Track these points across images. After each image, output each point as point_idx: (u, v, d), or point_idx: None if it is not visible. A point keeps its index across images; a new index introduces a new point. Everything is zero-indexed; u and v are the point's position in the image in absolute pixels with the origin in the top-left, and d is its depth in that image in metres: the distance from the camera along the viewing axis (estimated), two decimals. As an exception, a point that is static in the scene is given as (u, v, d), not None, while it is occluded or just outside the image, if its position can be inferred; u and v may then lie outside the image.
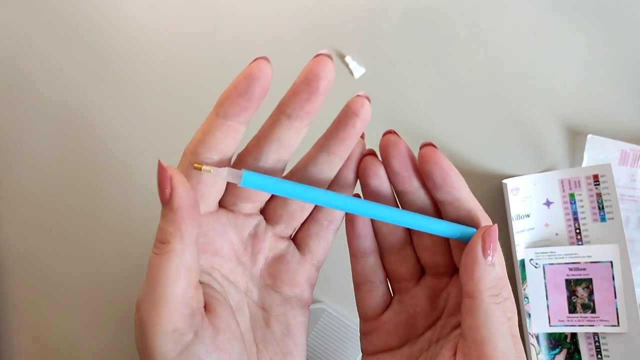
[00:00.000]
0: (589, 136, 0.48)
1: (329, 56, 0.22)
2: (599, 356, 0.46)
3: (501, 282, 0.23)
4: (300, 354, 0.25)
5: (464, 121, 0.51)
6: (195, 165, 0.22)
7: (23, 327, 0.52)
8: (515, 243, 0.47)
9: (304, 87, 0.22)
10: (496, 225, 0.23)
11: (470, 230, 0.24)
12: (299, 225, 0.26)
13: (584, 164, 0.49)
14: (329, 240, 0.26)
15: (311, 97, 0.22)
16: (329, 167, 0.24)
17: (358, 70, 0.52)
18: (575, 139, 0.50)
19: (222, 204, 0.25)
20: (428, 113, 0.51)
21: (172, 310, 0.20)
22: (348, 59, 0.52)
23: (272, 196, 0.25)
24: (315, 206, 0.26)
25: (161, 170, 0.21)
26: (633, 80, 0.50)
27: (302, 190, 0.23)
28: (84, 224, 0.53)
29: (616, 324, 0.46)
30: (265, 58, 0.22)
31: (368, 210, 0.24)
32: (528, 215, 0.48)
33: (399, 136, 0.25)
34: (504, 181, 0.48)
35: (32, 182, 0.54)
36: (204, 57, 0.54)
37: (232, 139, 0.23)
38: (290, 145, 0.23)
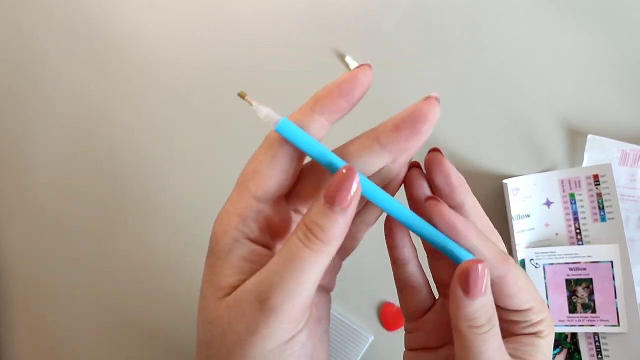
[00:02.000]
0: (589, 136, 0.48)
1: (438, 99, 0.23)
2: (599, 356, 0.46)
3: (488, 310, 0.22)
4: (327, 340, 0.26)
5: (465, 121, 0.51)
6: (240, 92, 0.23)
7: (23, 331, 0.52)
8: (516, 243, 0.47)
9: (408, 124, 0.22)
10: (482, 263, 0.22)
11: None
12: None
13: (584, 164, 0.49)
14: (359, 239, 0.27)
15: (412, 137, 0.22)
16: (374, 162, 0.23)
17: (358, 70, 0.52)
18: (576, 139, 0.50)
19: None
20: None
21: (304, 302, 0.21)
22: (348, 58, 0.52)
23: (298, 178, 0.25)
24: None
25: (351, 176, 0.21)
26: (633, 80, 0.50)
27: (336, 162, 0.22)
28: (86, 228, 0.53)
29: (616, 323, 0.46)
30: (369, 66, 0.23)
31: (400, 214, 0.23)
32: (528, 215, 0.48)
33: (442, 155, 0.25)
34: (504, 181, 0.48)
35: (33, 187, 0.54)
36: (204, 57, 0.54)
37: (319, 134, 0.23)
38: (368, 170, 0.23)
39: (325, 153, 0.22)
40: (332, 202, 0.21)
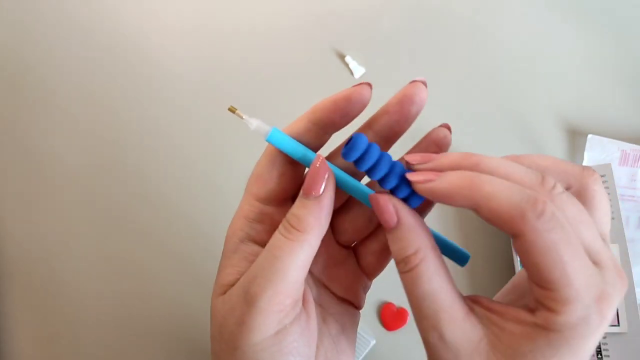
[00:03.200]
0: (589, 136, 0.48)
1: (424, 83, 0.23)
2: (599, 356, 0.46)
3: (402, 247, 0.21)
4: (352, 352, 0.26)
5: (465, 121, 0.51)
6: (230, 107, 0.24)
7: (24, 329, 0.52)
8: (516, 243, 0.47)
9: (397, 107, 0.23)
10: (383, 196, 0.22)
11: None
12: (360, 239, 0.27)
13: (584, 164, 0.48)
14: (388, 260, 0.27)
15: (401, 119, 0.23)
16: None
17: (358, 70, 0.52)
18: (576, 139, 0.50)
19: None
20: (428, 113, 0.51)
21: (288, 292, 0.21)
22: (348, 58, 0.52)
23: (341, 208, 0.26)
24: (379, 224, 0.26)
25: (322, 167, 0.22)
26: (633, 80, 0.50)
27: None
28: (90, 224, 0.53)
29: (616, 323, 0.46)
30: (369, 85, 0.23)
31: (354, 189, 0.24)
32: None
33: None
34: (504, 181, 0.48)
35: (37, 184, 0.54)
36: (203, 57, 0.54)
37: (314, 142, 0.24)
38: None
39: (310, 157, 0.23)
40: (307, 192, 0.22)
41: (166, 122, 0.54)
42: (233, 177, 0.52)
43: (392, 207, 0.22)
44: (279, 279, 0.21)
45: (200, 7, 0.54)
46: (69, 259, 0.52)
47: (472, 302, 0.21)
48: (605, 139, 0.48)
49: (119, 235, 0.52)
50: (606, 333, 0.46)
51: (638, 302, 0.45)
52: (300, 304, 0.23)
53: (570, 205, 0.20)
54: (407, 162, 0.22)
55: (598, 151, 0.48)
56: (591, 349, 0.19)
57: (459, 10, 0.52)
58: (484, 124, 0.51)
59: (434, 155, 0.22)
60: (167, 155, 0.53)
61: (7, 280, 0.52)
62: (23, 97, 0.55)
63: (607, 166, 0.46)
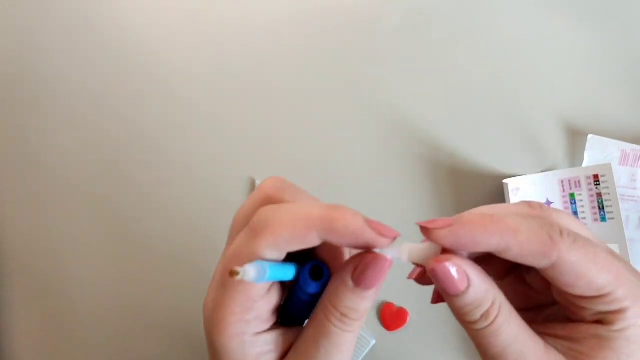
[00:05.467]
0: (589, 136, 0.48)
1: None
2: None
3: (479, 304, 0.21)
4: None
5: (465, 122, 0.51)
6: (232, 270, 0.20)
7: (24, 324, 0.52)
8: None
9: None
10: (441, 264, 0.20)
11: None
12: None
13: (584, 164, 0.48)
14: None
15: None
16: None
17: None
18: (576, 139, 0.50)
19: None
20: (429, 114, 0.51)
21: None
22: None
23: None
24: None
25: (387, 264, 0.21)
26: (634, 80, 0.50)
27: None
28: (91, 223, 0.53)
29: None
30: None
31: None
32: (528, 216, 0.48)
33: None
34: (504, 181, 0.48)
35: (39, 182, 0.54)
36: (202, 57, 0.54)
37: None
38: None
39: (287, 274, 0.22)
40: (366, 286, 0.21)
41: (173, 122, 0.53)
42: (234, 177, 0.52)
43: (462, 271, 0.20)
44: None
45: (197, 8, 0.54)
46: (69, 258, 0.52)
47: (538, 333, 0.22)
48: (605, 139, 0.48)
49: (121, 235, 0.52)
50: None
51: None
52: None
53: (570, 221, 0.22)
54: (420, 226, 0.21)
55: (598, 151, 0.48)
56: None
57: (460, 10, 0.52)
58: (485, 124, 0.51)
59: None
60: (171, 154, 0.53)
61: (7, 279, 0.52)
62: (24, 96, 0.55)
63: (607, 166, 0.46)
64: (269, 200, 0.23)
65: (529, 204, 0.23)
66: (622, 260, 0.21)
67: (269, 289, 0.22)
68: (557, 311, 0.24)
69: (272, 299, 0.23)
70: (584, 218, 0.47)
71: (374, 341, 0.48)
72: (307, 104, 0.52)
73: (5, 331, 0.51)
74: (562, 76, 0.51)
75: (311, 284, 0.22)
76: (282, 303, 0.25)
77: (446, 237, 0.20)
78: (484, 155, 0.50)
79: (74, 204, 0.53)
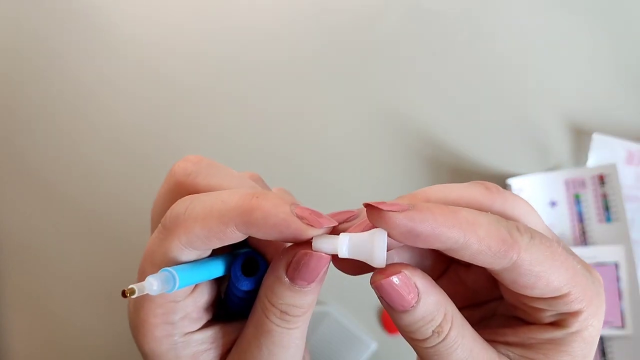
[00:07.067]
0: (594, 135, 0.48)
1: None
2: (604, 359, 0.46)
3: (430, 320, 0.19)
4: None
5: (468, 121, 0.50)
6: (126, 290, 0.18)
7: (22, 315, 0.51)
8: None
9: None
10: (396, 275, 0.18)
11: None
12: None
13: (589, 164, 0.48)
14: None
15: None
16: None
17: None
18: (581, 138, 0.49)
19: None
20: (432, 113, 0.51)
21: None
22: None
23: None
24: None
25: (323, 261, 0.19)
26: (639, 78, 0.49)
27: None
28: (86, 214, 0.52)
29: (621, 326, 0.45)
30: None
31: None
32: (532, 216, 0.47)
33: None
34: (508, 181, 0.47)
35: (35, 173, 0.53)
36: (212, 54, 0.53)
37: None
38: None
39: (212, 273, 0.20)
40: (302, 282, 0.19)
41: (171, 123, 0.53)
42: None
43: (411, 284, 0.18)
44: None
45: (197, 5, 0.53)
46: (68, 257, 0.52)
47: (488, 341, 0.20)
48: (610, 139, 0.47)
49: (119, 235, 0.52)
50: (612, 335, 0.45)
51: (644, 304, 0.44)
52: None
53: (527, 209, 0.21)
54: (368, 206, 0.18)
55: (603, 150, 0.48)
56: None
57: (462, 8, 0.51)
58: (488, 124, 0.50)
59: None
60: (168, 156, 0.52)
61: (3, 280, 0.52)
62: (23, 96, 0.54)
63: (612, 166, 0.46)
64: (182, 189, 0.20)
65: (485, 185, 0.20)
66: (572, 253, 0.20)
67: (196, 287, 0.20)
68: (496, 308, 0.22)
69: (202, 296, 0.21)
70: (589, 219, 0.47)
71: (375, 345, 0.47)
72: (307, 104, 0.51)
73: (5, 331, 0.51)
74: (567, 74, 0.50)
75: (244, 281, 0.20)
76: (220, 296, 0.23)
77: (402, 224, 0.17)
78: (488, 154, 0.49)
79: (70, 202, 0.52)
